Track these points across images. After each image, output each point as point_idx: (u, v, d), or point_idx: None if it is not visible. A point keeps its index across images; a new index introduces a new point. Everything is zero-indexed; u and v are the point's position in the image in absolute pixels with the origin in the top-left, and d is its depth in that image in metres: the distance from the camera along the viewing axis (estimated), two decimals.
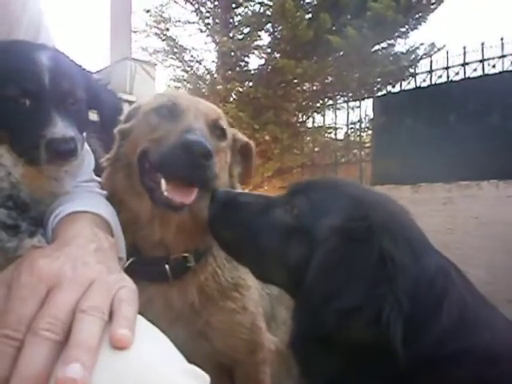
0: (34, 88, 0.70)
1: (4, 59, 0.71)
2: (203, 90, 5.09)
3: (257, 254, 0.87)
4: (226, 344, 1.06)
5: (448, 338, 0.66)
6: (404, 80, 5.21)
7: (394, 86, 5.31)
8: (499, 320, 0.72)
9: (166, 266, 0.99)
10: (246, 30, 5.04)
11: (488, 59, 4.66)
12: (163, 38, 5.16)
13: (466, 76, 4.81)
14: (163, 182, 0.90)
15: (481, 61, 4.71)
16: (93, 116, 0.87)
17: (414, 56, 5.02)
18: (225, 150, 1.05)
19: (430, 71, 5.06)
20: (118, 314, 0.48)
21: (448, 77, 4.93)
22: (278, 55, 4.90)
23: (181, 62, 5.22)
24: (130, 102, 3.40)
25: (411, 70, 5.17)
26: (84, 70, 0.84)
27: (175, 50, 5.17)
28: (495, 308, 0.75)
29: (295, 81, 4.91)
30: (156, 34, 5.16)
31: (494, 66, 4.66)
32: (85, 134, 0.84)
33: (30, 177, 0.72)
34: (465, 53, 4.82)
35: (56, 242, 0.60)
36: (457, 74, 4.87)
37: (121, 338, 0.44)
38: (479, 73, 4.73)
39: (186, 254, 1.00)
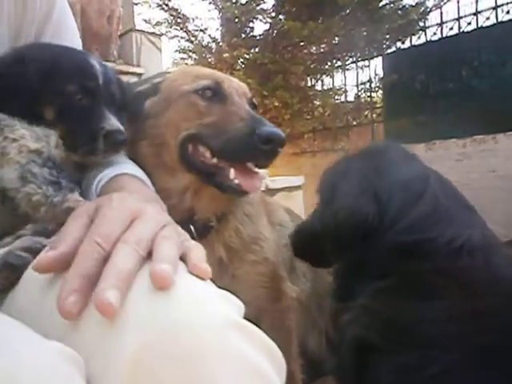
0: (93, 86, 0.79)
1: (64, 60, 0.80)
2: (209, 60, 5.05)
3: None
4: (251, 294, 1.10)
5: (416, 228, 0.77)
6: (414, 35, 5.07)
7: (403, 42, 5.18)
8: (471, 219, 0.82)
9: (191, 227, 1.02)
10: None
11: (502, 5, 4.49)
12: (166, 8, 5.08)
13: (479, 26, 4.65)
14: (232, 170, 0.92)
15: (494, 8, 4.54)
16: None
17: (423, 8, 4.88)
18: None
19: (441, 23, 4.91)
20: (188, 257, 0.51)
21: (460, 28, 4.78)
22: (282, 18, 4.80)
23: (185, 32, 5.15)
24: (138, 75, 3.39)
25: (421, 24, 5.02)
26: (115, 73, 0.93)
27: (178, 20, 5.10)
28: (473, 211, 0.84)
29: (302, 43, 4.82)
30: (158, 4, 5.07)
31: (508, 12, 4.48)
32: None
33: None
34: (477, 1, 4.65)
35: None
36: (469, 24, 4.71)
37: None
38: (492, 21, 4.56)
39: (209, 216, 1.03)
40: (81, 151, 0.77)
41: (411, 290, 0.73)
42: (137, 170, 0.86)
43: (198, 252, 0.52)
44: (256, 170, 0.96)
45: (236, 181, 0.91)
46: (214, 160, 0.94)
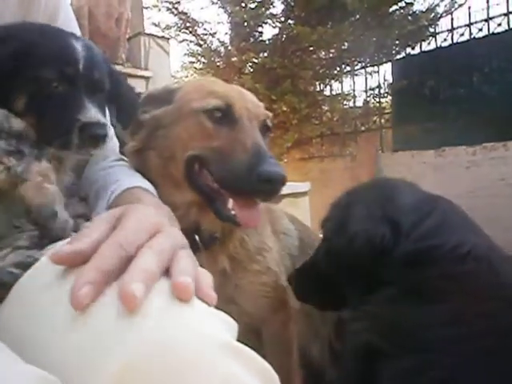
0: (71, 73, 0.70)
1: (42, 42, 0.71)
2: (218, 64, 5.05)
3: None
4: (253, 305, 1.09)
5: (423, 238, 0.80)
6: (424, 41, 5.04)
7: (413, 48, 5.15)
8: (477, 232, 0.86)
9: (196, 237, 1.01)
10: None
11: None
12: (175, 12, 5.11)
13: (490, 32, 4.60)
14: (231, 200, 0.90)
15: (505, 14, 4.49)
16: None
17: (433, 14, 4.85)
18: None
19: (452, 29, 4.87)
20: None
21: (471, 34, 4.74)
22: (292, 22, 4.80)
23: (194, 35, 5.17)
24: (146, 78, 3.41)
25: (431, 30, 4.99)
26: (108, 61, 0.84)
27: (188, 24, 5.12)
28: (478, 227, 0.87)
29: (311, 48, 4.82)
30: (168, 8, 5.10)
31: None
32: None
33: None
34: (488, 7, 4.61)
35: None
36: (480, 30, 4.67)
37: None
38: (504, 27, 4.51)
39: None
40: (54, 145, 0.70)
41: (416, 296, 0.75)
42: (147, 184, 0.85)
43: (207, 278, 0.52)
44: (257, 202, 0.92)
45: (233, 212, 0.89)
46: (216, 185, 0.92)
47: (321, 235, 1.12)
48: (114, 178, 0.83)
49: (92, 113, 0.70)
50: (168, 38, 3.96)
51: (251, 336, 1.18)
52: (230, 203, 0.90)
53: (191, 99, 0.98)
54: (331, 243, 0.92)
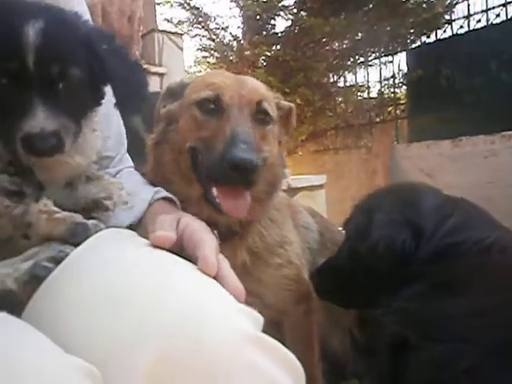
0: (14, 68, 0.58)
1: None
2: (231, 58, 5.05)
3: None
4: (275, 297, 1.10)
5: (449, 235, 0.84)
6: (439, 28, 4.93)
7: (428, 36, 5.05)
8: (500, 227, 0.89)
9: (215, 232, 1.02)
10: None
11: None
12: (187, 7, 5.11)
13: (508, 17, 4.49)
14: (214, 189, 0.90)
15: None
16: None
17: (449, 1, 4.74)
18: (272, 131, 1.01)
19: (468, 16, 4.75)
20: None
21: (488, 20, 4.62)
22: (304, 14, 4.76)
23: (206, 30, 5.17)
24: (160, 75, 3.42)
25: (447, 17, 4.88)
26: (90, 33, 0.68)
27: (200, 18, 5.11)
28: (498, 222, 0.91)
29: (324, 40, 4.78)
30: (180, 4, 5.10)
31: None
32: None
33: None
34: None
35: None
36: (497, 16, 4.55)
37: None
38: None
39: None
40: (3, 151, 0.62)
41: (444, 289, 0.77)
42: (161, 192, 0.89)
43: (235, 278, 0.61)
44: (243, 191, 0.90)
45: (217, 199, 0.89)
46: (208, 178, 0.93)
47: (342, 230, 1.13)
48: (136, 189, 0.86)
49: (38, 119, 0.58)
50: (181, 34, 3.97)
51: (273, 328, 1.19)
52: (214, 191, 0.90)
53: (192, 92, 1.01)
54: (355, 248, 0.96)
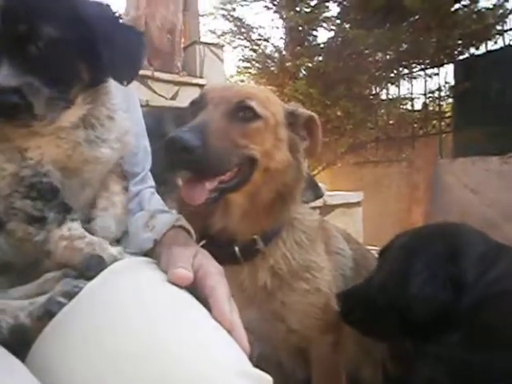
0: None
1: None
2: (272, 68, 5.05)
3: None
4: (300, 324, 1.07)
5: (492, 284, 0.82)
6: (490, 39, 4.71)
7: (477, 48, 4.84)
8: None
9: (236, 248, 1.01)
10: (313, 3, 4.87)
11: None
12: (230, 19, 5.17)
13: None
14: (179, 180, 0.93)
15: None
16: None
17: (501, 11, 4.52)
18: (261, 130, 0.98)
19: None
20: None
21: None
22: (347, 26, 4.70)
23: (248, 41, 5.20)
24: (201, 86, 3.48)
25: (498, 28, 4.66)
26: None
27: (242, 29, 5.15)
28: None
29: (367, 51, 4.68)
30: (223, 15, 5.17)
31: None
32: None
33: (49, 148, 0.64)
34: None
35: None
36: None
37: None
38: None
39: (254, 237, 1.01)
40: None
41: (484, 341, 0.75)
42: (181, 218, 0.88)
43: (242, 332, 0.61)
44: (198, 179, 0.88)
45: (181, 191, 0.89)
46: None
47: (375, 254, 1.08)
48: (156, 213, 0.87)
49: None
50: (222, 46, 4.02)
51: (299, 356, 1.15)
52: (179, 183, 0.93)
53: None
54: (391, 294, 0.94)
